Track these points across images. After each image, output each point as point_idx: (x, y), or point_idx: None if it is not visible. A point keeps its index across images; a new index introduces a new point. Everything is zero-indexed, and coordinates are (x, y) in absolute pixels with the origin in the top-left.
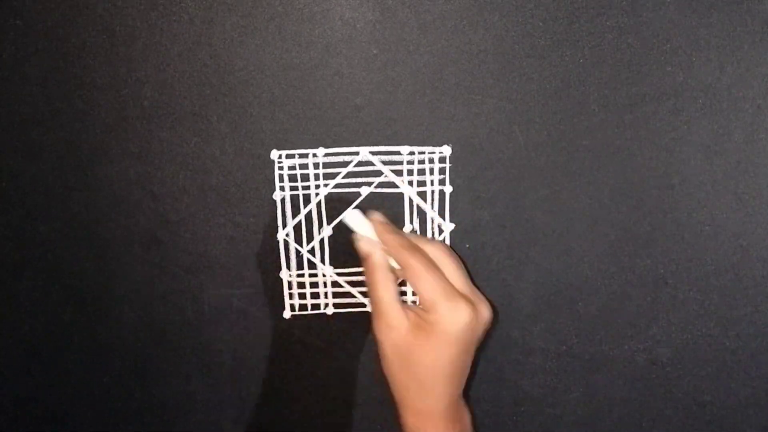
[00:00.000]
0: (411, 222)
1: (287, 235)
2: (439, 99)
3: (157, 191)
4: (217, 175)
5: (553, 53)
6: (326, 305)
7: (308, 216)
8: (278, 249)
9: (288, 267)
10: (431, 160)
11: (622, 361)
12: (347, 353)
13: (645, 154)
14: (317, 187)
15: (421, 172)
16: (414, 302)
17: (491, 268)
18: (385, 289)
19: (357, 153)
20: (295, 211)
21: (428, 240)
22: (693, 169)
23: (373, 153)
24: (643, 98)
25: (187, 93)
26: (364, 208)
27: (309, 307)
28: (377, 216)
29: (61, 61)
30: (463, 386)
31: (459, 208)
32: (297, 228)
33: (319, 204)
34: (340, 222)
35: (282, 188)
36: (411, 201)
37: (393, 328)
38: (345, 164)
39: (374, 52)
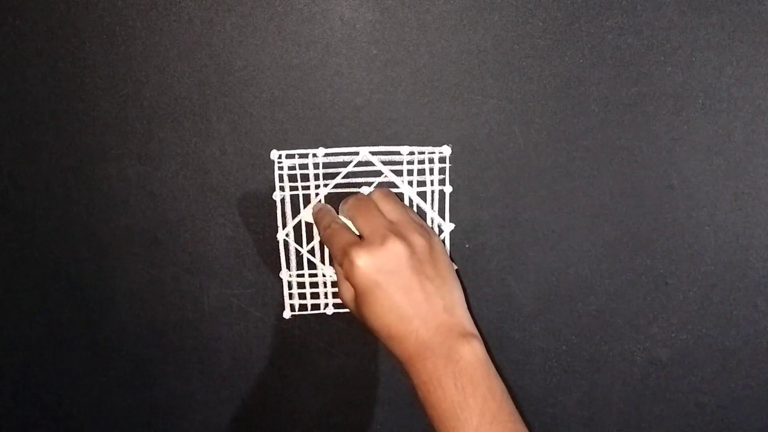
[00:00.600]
0: None
1: (287, 235)
2: (439, 99)
3: (157, 191)
4: (217, 175)
5: (553, 53)
6: (326, 305)
7: None
8: (278, 249)
9: (288, 267)
10: (431, 160)
11: (622, 361)
12: (347, 353)
13: (645, 154)
14: (317, 187)
15: (421, 172)
16: None
17: (491, 268)
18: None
19: (357, 153)
20: (295, 211)
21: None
22: (693, 169)
23: (373, 153)
24: (643, 98)
25: (187, 93)
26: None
27: (309, 307)
28: (314, 202)
29: (61, 61)
30: (432, 319)
31: (459, 208)
32: (297, 228)
33: None
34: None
35: (282, 188)
36: (411, 201)
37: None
38: (345, 164)
39: (374, 52)
